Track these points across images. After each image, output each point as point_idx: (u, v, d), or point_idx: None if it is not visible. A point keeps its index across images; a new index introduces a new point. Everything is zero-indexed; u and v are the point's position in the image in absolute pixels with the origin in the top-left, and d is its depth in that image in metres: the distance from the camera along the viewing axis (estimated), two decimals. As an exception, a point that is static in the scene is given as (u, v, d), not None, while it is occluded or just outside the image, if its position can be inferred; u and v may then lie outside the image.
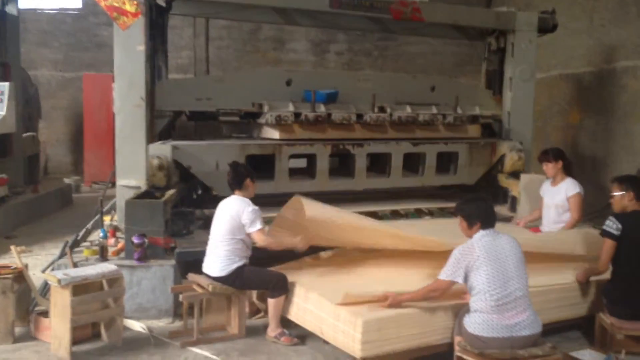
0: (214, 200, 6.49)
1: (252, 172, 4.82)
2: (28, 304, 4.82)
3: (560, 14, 8.15)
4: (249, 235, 4.61)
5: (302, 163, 7.00)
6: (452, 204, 6.78)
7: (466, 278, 3.76)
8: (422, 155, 6.95)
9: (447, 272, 3.81)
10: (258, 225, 4.58)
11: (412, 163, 7.03)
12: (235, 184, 4.73)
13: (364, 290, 4.29)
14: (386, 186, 6.99)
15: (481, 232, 3.84)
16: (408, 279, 4.62)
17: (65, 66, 13.84)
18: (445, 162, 7.18)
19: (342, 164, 7.13)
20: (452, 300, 4.13)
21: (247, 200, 4.66)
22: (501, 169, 7.26)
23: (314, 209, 4.81)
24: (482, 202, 4.04)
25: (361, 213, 6.30)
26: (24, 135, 9.83)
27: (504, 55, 7.90)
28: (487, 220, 3.89)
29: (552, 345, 3.67)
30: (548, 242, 5.25)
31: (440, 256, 4.70)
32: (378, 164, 7.03)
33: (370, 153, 6.71)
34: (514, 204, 6.86)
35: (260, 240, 4.62)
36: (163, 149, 5.85)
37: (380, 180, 6.92)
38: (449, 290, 3.90)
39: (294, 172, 6.52)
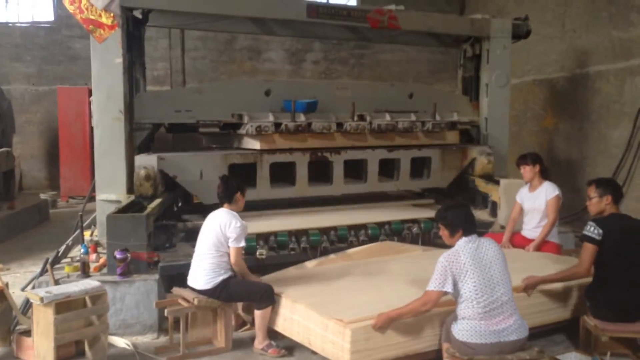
0: (196, 211, 6.54)
1: (243, 186, 4.82)
2: (9, 324, 4.73)
3: (533, 20, 8.31)
4: (228, 248, 4.59)
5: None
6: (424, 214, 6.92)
7: (454, 286, 3.76)
8: (397, 161, 7.13)
9: (436, 283, 3.78)
10: (240, 243, 4.59)
11: (388, 168, 7.20)
12: (226, 197, 4.72)
13: (352, 300, 4.30)
14: (363, 191, 7.13)
15: (464, 239, 3.85)
16: (394, 286, 4.65)
17: (39, 80, 13.67)
18: (420, 167, 7.36)
19: (321, 171, 7.13)
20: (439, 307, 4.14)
21: (236, 215, 4.65)
22: (472, 172, 7.49)
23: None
24: (462, 209, 4.04)
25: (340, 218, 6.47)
26: (-1, 150, 9.65)
27: (480, 62, 8.02)
28: (469, 227, 3.90)
29: (539, 350, 3.71)
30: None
31: (425, 263, 4.76)
32: (356, 170, 7.11)
33: (348, 160, 6.83)
34: (494, 208, 6.92)
35: (234, 258, 4.59)
36: (149, 160, 5.98)
37: (357, 185, 7.07)
38: (439, 300, 3.86)
39: (274, 180, 6.57)
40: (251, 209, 5.56)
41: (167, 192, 6.24)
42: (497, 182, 6.90)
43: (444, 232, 3.98)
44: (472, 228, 3.92)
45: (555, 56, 10.29)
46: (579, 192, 9.35)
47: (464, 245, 3.83)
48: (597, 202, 4.56)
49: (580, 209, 8.87)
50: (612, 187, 4.58)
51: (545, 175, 5.90)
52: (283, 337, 4.62)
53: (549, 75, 10.51)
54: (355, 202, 7.16)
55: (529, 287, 4.53)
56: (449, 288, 3.75)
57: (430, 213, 6.44)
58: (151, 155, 6.09)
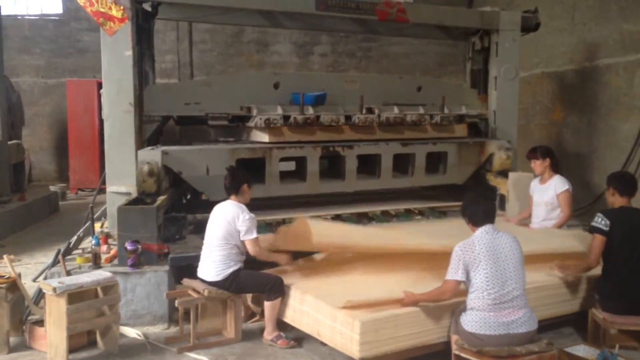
0: (204, 205, 6.54)
1: (250, 178, 4.84)
2: (22, 314, 4.79)
3: (542, 13, 8.27)
4: (242, 242, 4.64)
5: (291, 166, 7.00)
6: (441, 204, 6.91)
7: (467, 274, 3.79)
8: (412, 156, 6.97)
9: (451, 272, 3.84)
10: (253, 234, 4.63)
11: (402, 164, 7.04)
12: (232, 189, 4.74)
13: (360, 291, 4.32)
14: (376, 187, 6.99)
15: (482, 230, 3.88)
16: (402, 279, 4.66)
17: (48, 72, 13.74)
18: (435, 162, 7.19)
19: (332, 166, 7.14)
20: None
21: (243, 207, 4.68)
22: (489, 168, 7.32)
23: (320, 231, 4.78)
24: (483, 201, 4.09)
25: (352, 214, 6.43)
26: (9, 143, 9.72)
27: (488, 55, 7.98)
28: (488, 219, 3.94)
29: (548, 342, 3.72)
30: (550, 240, 5.26)
31: (432, 256, 4.78)
32: (368, 165, 7.00)
33: (360, 155, 6.69)
34: (502, 202, 6.92)
35: (252, 250, 4.67)
36: (153, 155, 5.77)
37: (371, 181, 6.91)
38: (458, 290, 3.89)
39: (284, 176, 6.52)
40: (258, 208, 5.41)
41: (172, 189, 6.09)
42: (506, 176, 6.89)
43: (468, 224, 4.02)
44: (491, 220, 3.95)
45: (565, 49, 10.24)
46: (587, 185, 9.34)
47: (480, 235, 3.86)
48: (608, 195, 4.60)
49: (588, 202, 8.86)
50: (616, 180, 4.60)
51: (556, 168, 5.89)
52: (292, 328, 4.65)
53: (558, 68, 10.46)
54: (369, 201, 6.96)
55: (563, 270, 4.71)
56: (461, 276, 3.79)
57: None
58: (155, 149, 5.91)
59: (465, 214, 4.01)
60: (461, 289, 3.93)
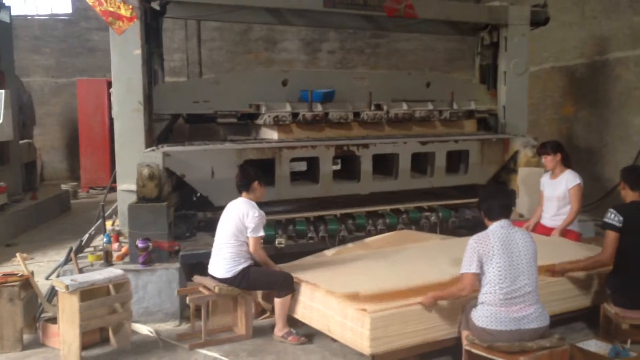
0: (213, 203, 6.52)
1: (261, 176, 4.84)
2: (35, 311, 4.84)
3: (552, 7, 8.20)
4: (247, 236, 4.65)
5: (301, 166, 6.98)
6: (451, 201, 6.82)
7: (480, 267, 3.78)
8: (431, 155, 6.68)
9: (466, 264, 3.83)
10: (259, 233, 4.64)
11: (420, 163, 6.79)
12: (243, 186, 4.76)
13: (371, 287, 4.33)
14: (393, 189, 6.64)
15: (497, 224, 3.88)
16: (412, 274, 4.66)
17: (58, 72, 13.82)
18: (455, 161, 6.93)
19: (345, 166, 7.02)
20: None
21: (254, 204, 4.69)
22: (514, 167, 6.99)
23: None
24: (500, 195, 4.09)
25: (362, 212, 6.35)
26: (21, 142, 9.80)
27: (497, 50, 7.94)
28: (504, 213, 3.93)
29: (559, 337, 3.71)
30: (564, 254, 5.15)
31: (443, 251, 4.77)
32: (384, 165, 6.70)
33: (376, 154, 6.40)
34: (512, 197, 6.88)
35: (253, 248, 4.65)
36: (153, 157, 5.46)
37: (387, 182, 6.61)
38: (476, 283, 3.85)
39: (295, 177, 6.36)
40: (268, 213, 5.10)
41: (174, 193, 5.82)
42: (515, 171, 6.86)
43: (483, 217, 4.02)
44: (507, 215, 3.95)
45: (575, 43, 10.18)
46: (598, 180, 9.29)
47: (495, 229, 3.86)
48: (620, 189, 4.60)
49: (599, 197, 8.81)
50: (627, 175, 4.58)
51: (567, 163, 5.86)
52: (302, 324, 4.67)
53: (568, 62, 10.40)
54: (386, 203, 6.56)
55: (556, 275, 4.60)
56: (476, 269, 3.77)
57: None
58: (156, 151, 5.61)
59: (482, 208, 4.00)
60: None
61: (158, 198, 5.28)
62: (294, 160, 6.26)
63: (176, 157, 5.63)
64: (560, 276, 4.65)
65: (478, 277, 3.82)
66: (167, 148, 5.73)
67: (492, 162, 7.02)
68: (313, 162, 6.42)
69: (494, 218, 3.90)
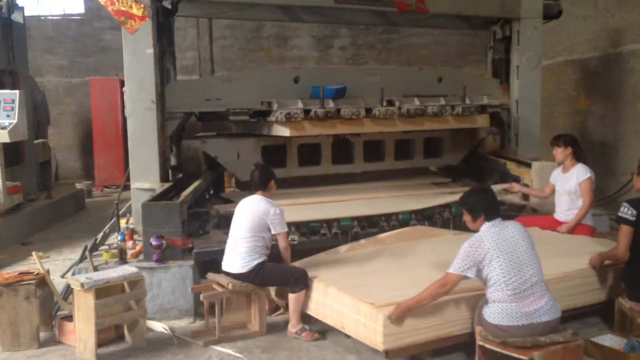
0: (225, 200, 6.63)
1: (274, 174, 4.98)
2: (51, 309, 4.89)
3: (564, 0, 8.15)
4: (275, 235, 4.72)
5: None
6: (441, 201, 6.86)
7: (478, 272, 3.75)
8: (412, 142, 7.68)
9: (456, 266, 3.77)
10: (285, 228, 4.74)
11: (403, 149, 7.79)
12: (261, 184, 4.82)
13: (383, 283, 4.35)
14: (381, 169, 7.71)
15: (487, 224, 3.83)
16: (425, 269, 4.66)
17: (71, 72, 13.92)
18: (434, 146, 7.96)
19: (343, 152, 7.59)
20: (470, 291, 4.16)
21: (272, 202, 4.76)
22: (482, 151, 7.97)
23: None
24: (483, 193, 4.02)
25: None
26: (35, 142, 9.89)
27: (510, 44, 7.91)
28: (491, 211, 3.87)
29: (573, 332, 3.68)
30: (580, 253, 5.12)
31: (456, 247, 4.76)
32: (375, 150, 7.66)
33: (367, 141, 7.41)
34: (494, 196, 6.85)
35: (283, 243, 4.75)
36: (194, 143, 6.76)
37: (376, 164, 7.65)
38: (458, 284, 3.84)
39: (301, 160, 7.23)
40: (279, 187, 5.69)
41: (209, 171, 6.85)
42: (529, 165, 6.83)
43: (467, 217, 3.97)
44: (495, 212, 3.89)
45: (588, 36, 10.07)
46: (613, 174, 9.21)
47: (486, 230, 3.81)
48: (635, 181, 4.55)
49: (614, 191, 8.74)
50: None
51: (580, 158, 5.81)
52: (316, 321, 4.68)
53: (582, 55, 10.30)
54: (375, 180, 7.64)
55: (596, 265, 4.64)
56: (470, 274, 3.74)
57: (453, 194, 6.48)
58: (195, 139, 6.87)
59: (468, 210, 3.93)
60: (474, 284, 3.90)
61: (198, 173, 6.59)
62: (301, 146, 7.16)
63: (211, 143, 6.86)
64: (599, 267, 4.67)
65: (480, 280, 3.80)
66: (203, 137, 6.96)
67: (462, 147, 8.03)
68: (316, 148, 7.29)
69: (483, 219, 3.84)
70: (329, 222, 6.00)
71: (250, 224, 4.65)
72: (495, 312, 3.72)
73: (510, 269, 3.68)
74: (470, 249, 3.75)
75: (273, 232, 4.69)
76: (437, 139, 7.87)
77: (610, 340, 4.14)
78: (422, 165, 8.04)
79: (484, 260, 3.71)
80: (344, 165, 7.49)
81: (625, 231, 4.33)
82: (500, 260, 3.69)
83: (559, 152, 5.80)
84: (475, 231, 3.91)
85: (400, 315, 3.87)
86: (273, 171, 5.01)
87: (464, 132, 7.76)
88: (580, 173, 5.67)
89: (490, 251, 3.71)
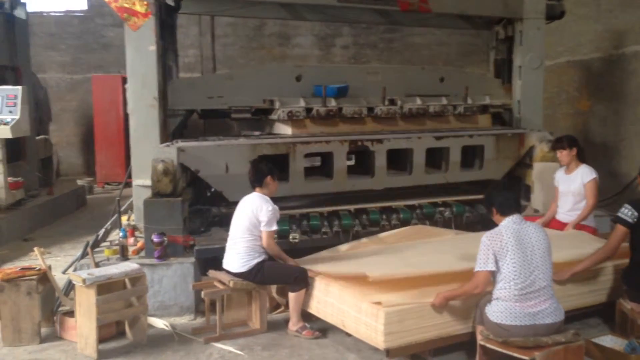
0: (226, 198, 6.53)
1: (274, 170, 4.85)
2: (52, 305, 4.89)
3: (567, 0, 8.13)
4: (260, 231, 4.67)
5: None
6: (466, 197, 6.74)
7: (496, 264, 3.76)
8: (446, 150, 6.68)
9: (480, 262, 3.80)
10: (272, 227, 4.67)
11: (435, 158, 6.79)
12: (256, 181, 4.78)
13: (385, 282, 4.35)
14: (408, 184, 6.65)
15: (509, 219, 3.87)
16: (426, 269, 4.66)
17: (73, 68, 13.92)
18: (470, 156, 6.93)
19: (359, 161, 7.05)
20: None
21: (267, 199, 4.71)
22: (530, 162, 6.91)
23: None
24: (507, 190, 4.08)
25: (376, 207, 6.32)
26: (37, 138, 9.90)
27: (512, 44, 7.87)
28: (514, 208, 3.92)
29: (574, 332, 3.69)
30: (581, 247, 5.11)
31: (457, 246, 4.76)
32: (397, 160, 6.69)
33: (391, 150, 6.39)
34: (527, 192, 6.85)
35: (266, 241, 4.67)
36: (168, 152, 5.50)
37: (402, 178, 6.61)
38: (489, 281, 3.84)
39: (309, 172, 6.40)
40: (282, 208, 5.13)
41: (188, 189, 5.90)
42: (531, 166, 6.82)
43: (490, 211, 4.01)
44: (517, 209, 3.94)
45: (590, 37, 10.07)
46: (614, 175, 9.20)
47: (507, 224, 3.84)
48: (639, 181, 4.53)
49: (615, 192, 8.73)
50: None
51: (582, 157, 5.81)
52: (317, 319, 4.69)
53: (584, 56, 10.29)
54: (401, 198, 6.58)
55: (560, 281, 4.49)
56: (492, 266, 3.75)
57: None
58: (170, 146, 5.63)
59: (492, 204, 3.98)
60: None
61: (173, 193, 5.32)
62: (308, 155, 6.28)
63: (190, 152, 5.65)
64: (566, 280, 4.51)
65: (493, 275, 3.81)
66: (181, 143, 5.73)
67: (507, 157, 6.97)
68: (327, 158, 6.42)
69: (505, 213, 3.89)
70: (330, 220, 6.00)
71: (247, 222, 4.64)
72: (499, 311, 3.73)
73: (521, 267, 3.69)
74: (489, 241, 3.79)
75: (260, 228, 4.62)
76: (476, 147, 6.84)
77: (611, 341, 4.15)
78: (457, 180, 6.86)
79: (500, 252, 3.73)
80: (362, 179, 6.44)
81: (619, 232, 4.34)
82: (513, 257, 3.70)
83: (565, 155, 5.78)
84: (494, 226, 3.95)
85: (440, 304, 3.99)
86: (271, 167, 4.83)
87: (510, 138, 6.90)
88: (585, 174, 5.66)
89: (507, 245, 3.73)
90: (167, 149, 5.59)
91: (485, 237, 3.83)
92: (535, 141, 6.87)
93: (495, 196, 3.99)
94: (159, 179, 5.32)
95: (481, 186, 6.80)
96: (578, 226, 5.63)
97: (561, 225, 5.75)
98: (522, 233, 3.79)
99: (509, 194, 3.99)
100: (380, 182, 6.45)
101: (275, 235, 4.88)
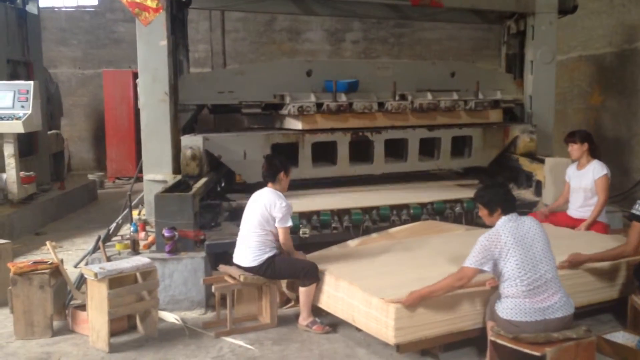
0: (237, 192, 6.61)
1: (287, 165, 4.84)
2: (64, 298, 4.93)
3: (580, -5, 8.07)
4: (276, 228, 4.67)
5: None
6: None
7: (494, 266, 3.75)
8: (438, 140, 7.10)
9: (473, 260, 3.77)
10: (288, 223, 4.67)
11: (428, 147, 7.19)
12: (269, 176, 4.78)
13: (394, 276, 4.35)
14: (403, 170, 7.18)
15: (504, 218, 3.84)
16: (436, 264, 4.65)
17: (85, 63, 13.99)
18: (460, 145, 7.32)
19: (361, 150, 7.15)
20: (480, 286, 4.15)
21: (280, 194, 4.71)
22: (514, 151, 7.35)
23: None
24: (499, 188, 4.04)
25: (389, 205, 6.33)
26: (49, 133, 9.96)
27: (524, 39, 7.85)
28: (508, 205, 3.88)
29: (586, 328, 3.67)
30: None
31: (467, 242, 4.74)
32: (396, 149, 7.11)
33: (388, 139, 6.86)
34: (538, 188, 6.82)
35: (283, 237, 4.69)
36: (195, 140, 6.11)
37: (398, 164, 7.10)
38: (474, 278, 3.85)
39: (316, 159, 6.67)
40: (293, 188, 5.49)
41: (212, 172, 6.36)
42: (542, 161, 6.78)
43: (483, 212, 3.98)
44: (511, 207, 3.90)
45: (603, 31, 9.98)
46: (627, 171, 9.14)
47: (503, 224, 3.81)
48: None
49: (628, 188, 8.67)
50: None
51: (595, 154, 5.77)
52: (327, 314, 4.69)
53: (596, 51, 10.21)
54: (396, 182, 7.13)
55: (573, 264, 4.48)
56: (487, 268, 3.74)
57: (472, 192, 6.37)
58: (197, 136, 6.21)
59: (484, 204, 3.94)
60: (485, 278, 3.89)
61: (199, 175, 6.00)
62: (315, 144, 6.56)
63: (214, 141, 6.24)
64: (576, 268, 4.51)
65: (494, 275, 3.78)
66: (206, 134, 6.31)
67: (493, 147, 7.39)
68: (332, 146, 6.73)
69: (500, 213, 3.85)
70: (340, 215, 6.01)
71: (259, 217, 4.64)
72: (508, 308, 3.71)
73: (525, 264, 3.67)
74: (487, 243, 3.75)
75: (276, 224, 4.63)
76: (465, 138, 7.27)
77: (622, 337, 4.13)
78: (448, 167, 7.47)
79: (501, 254, 3.70)
80: (362, 165, 6.93)
81: (637, 228, 4.29)
82: (516, 255, 3.68)
83: (575, 149, 5.75)
84: (491, 226, 3.91)
85: (412, 303, 3.88)
86: (285, 162, 4.86)
87: (496, 130, 7.34)
88: (596, 170, 5.62)
89: (507, 245, 3.70)
90: (195, 137, 6.17)
91: (484, 237, 3.79)
92: (519, 132, 7.32)
93: (486, 197, 3.94)
94: (188, 163, 6.01)
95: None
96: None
97: (572, 221, 5.71)
98: (519, 229, 3.77)
99: (499, 192, 3.94)
100: (379, 168, 6.98)
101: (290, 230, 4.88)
